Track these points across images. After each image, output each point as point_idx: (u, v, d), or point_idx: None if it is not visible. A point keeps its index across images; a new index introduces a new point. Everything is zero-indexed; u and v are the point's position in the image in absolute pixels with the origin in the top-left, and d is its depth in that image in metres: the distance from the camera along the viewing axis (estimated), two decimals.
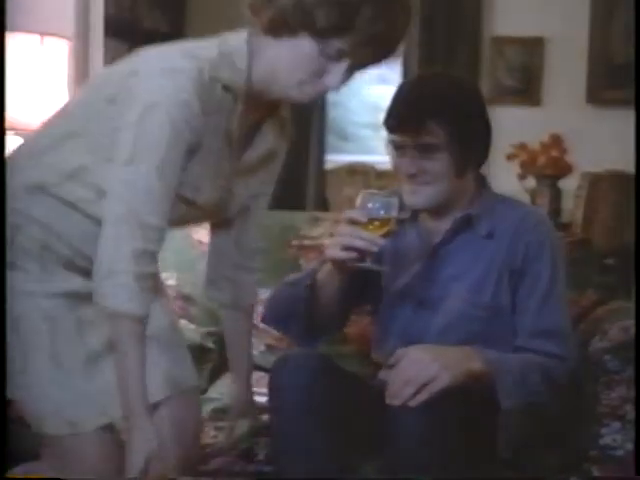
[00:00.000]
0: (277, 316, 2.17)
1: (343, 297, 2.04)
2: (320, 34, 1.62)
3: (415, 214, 2.11)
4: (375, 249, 1.89)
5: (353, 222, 1.91)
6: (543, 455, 2.08)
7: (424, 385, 1.80)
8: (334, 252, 1.93)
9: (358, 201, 1.93)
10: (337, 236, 1.94)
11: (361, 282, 2.08)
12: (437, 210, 2.07)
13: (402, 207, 2.06)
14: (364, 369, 2.45)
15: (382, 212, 1.90)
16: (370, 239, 1.88)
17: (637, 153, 2.36)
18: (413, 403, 1.80)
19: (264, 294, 2.70)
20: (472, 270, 2.04)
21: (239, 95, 1.74)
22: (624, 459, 2.00)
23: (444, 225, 2.07)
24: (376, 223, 1.90)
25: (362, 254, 1.90)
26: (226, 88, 1.72)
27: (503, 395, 1.88)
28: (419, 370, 1.81)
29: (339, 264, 1.96)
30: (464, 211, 2.06)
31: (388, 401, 1.82)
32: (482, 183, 2.11)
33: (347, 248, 1.90)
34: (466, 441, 1.86)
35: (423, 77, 2.07)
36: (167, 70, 1.67)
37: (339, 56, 1.67)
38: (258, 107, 1.81)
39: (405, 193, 2.03)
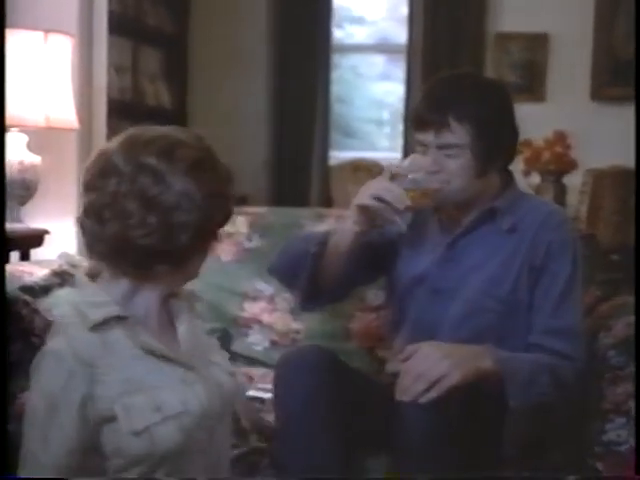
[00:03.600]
0: (283, 267, 2.18)
1: (351, 264, 2.04)
2: None
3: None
4: (401, 207, 1.90)
5: (393, 177, 1.91)
6: (548, 452, 2.08)
7: (434, 382, 1.80)
8: (362, 198, 1.94)
9: (405, 163, 1.93)
10: (370, 186, 1.94)
11: (372, 256, 2.09)
12: (460, 204, 2.07)
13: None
14: (368, 365, 2.45)
15: (422, 183, 1.91)
16: (400, 195, 1.89)
17: (637, 150, 2.35)
18: (423, 400, 1.80)
19: (268, 290, 2.72)
20: (491, 263, 2.04)
21: None
22: (628, 455, 2.00)
23: (467, 217, 2.08)
24: (413, 193, 1.91)
25: (387, 212, 1.89)
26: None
27: (512, 394, 1.89)
28: (430, 367, 1.81)
29: (363, 211, 1.96)
30: (488, 204, 2.06)
31: (398, 397, 1.82)
32: (508, 179, 2.11)
33: (376, 197, 1.91)
34: (472, 438, 1.86)
35: (451, 76, 2.07)
36: None
37: None
38: None
39: None
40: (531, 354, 1.98)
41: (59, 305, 1.75)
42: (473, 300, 2.03)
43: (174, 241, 1.60)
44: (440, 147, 1.99)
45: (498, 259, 2.04)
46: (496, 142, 2.01)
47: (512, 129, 2.06)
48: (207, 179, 1.64)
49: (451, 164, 1.99)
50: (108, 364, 1.59)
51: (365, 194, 1.94)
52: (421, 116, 2.02)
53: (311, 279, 2.07)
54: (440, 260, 2.08)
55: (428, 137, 2.00)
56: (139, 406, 1.58)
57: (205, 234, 1.65)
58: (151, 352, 1.62)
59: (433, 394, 1.80)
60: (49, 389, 1.58)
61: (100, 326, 1.61)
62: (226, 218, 1.68)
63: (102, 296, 1.66)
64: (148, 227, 1.58)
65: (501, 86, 2.14)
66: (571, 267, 2.03)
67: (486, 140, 1.99)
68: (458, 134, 1.97)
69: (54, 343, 1.64)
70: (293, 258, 2.11)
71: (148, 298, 1.68)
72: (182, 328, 1.71)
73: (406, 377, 1.82)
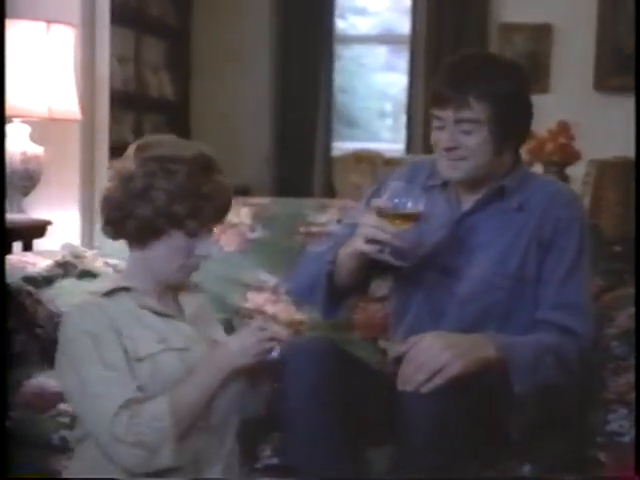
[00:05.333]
0: (301, 288, 2.22)
1: (364, 270, 2.06)
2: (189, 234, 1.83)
3: (446, 182, 2.12)
4: (397, 243, 1.92)
5: (379, 212, 1.92)
6: (550, 442, 2.08)
7: (436, 372, 1.81)
8: (359, 244, 1.97)
9: (387, 192, 1.95)
10: (363, 226, 1.96)
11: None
12: (471, 182, 2.08)
13: (433, 176, 2.12)
14: (371, 356, 2.45)
15: (409, 205, 1.92)
16: (393, 232, 1.91)
17: (637, 142, 2.35)
18: (425, 389, 1.80)
19: (271, 281, 2.72)
20: (499, 240, 2.05)
21: None
22: (631, 445, 2.00)
23: (475, 195, 2.09)
24: (402, 216, 1.92)
25: (384, 245, 1.92)
26: None
27: (516, 380, 1.90)
28: (432, 357, 1.82)
29: (362, 255, 1.99)
30: (498, 183, 2.07)
31: (400, 387, 1.83)
32: (517, 159, 2.12)
33: (370, 241, 1.93)
34: (476, 427, 1.86)
35: (468, 54, 2.09)
36: None
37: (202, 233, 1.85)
38: None
39: (442, 167, 2.06)
40: (534, 335, 1.98)
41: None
42: (481, 278, 2.03)
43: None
44: (458, 123, 1.99)
45: (506, 237, 2.05)
46: (513, 121, 2.02)
47: (528, 110, 2.07)
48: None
49: (468, 140, 2.00)
50: (122, 320, 1.80)
51: (359, 237, 1.96)
52: (440, 93, 2.02)
53: (329, 294, 2.11)
54: (448, 239, 2.08)
55: (447, 113, 2.00)
56: (145, 337, 1.80)
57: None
58: (153, 311, 1.84)
59: (434, 384, 1.80)
60: (86, 328, 1.78)
61: (110, 293, 1.83)
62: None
63: (113, 276, 1.90)
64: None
65: (520, 66, 2.15)
66: (578, 243, 2.03)
67: (503, 118, 1.99)
68: (476, 111, 1.98)
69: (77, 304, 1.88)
70: (309, 279, 2.15)
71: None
72: (186, 300, 1.91)
73: (408, 367, 1.83)
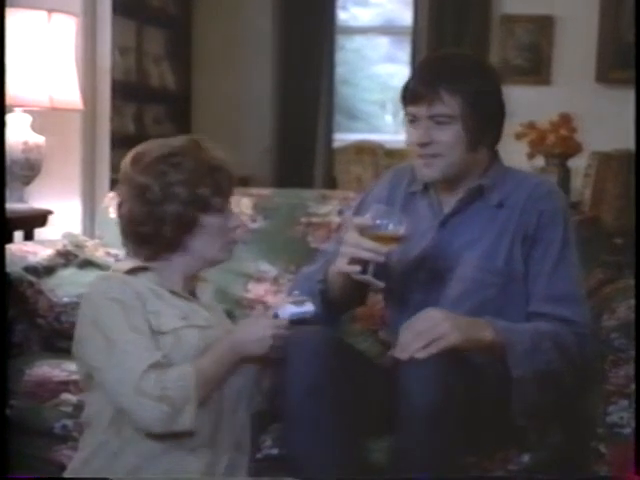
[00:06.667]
0: None
1: (357, 285, 2.06)
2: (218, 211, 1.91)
3: (426, 187, 2.15)
4: (380, 259, 1.93)
5: (360, 230, 1.93)
6: (554, 428, 2.09)
7: (433, 340, 1.83)
8: (342, 265, 1.98)
9: (368, 214, 1.97)
10: (345, 245, 1.97)
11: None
12: (449, 182, 2.09)
13: (414, 182, 2.14)
14: (372, 347, 2.46)
15: (390, 227, 1.93)
16: (375, 250, 1.92)
17: (638, 134, 2.35)
18: (420, 355, 1.82)
19: (272, 271, 2.73)
20: (484, 238, 2.06)
21: None
22: (631, 437, 2.01)
23: (455, 196, 2.10)
24: (384, 237, 1.93)
25: (366, 264, 1.94)
26: None
27: (514, 364, 1.91)
28: (431, 326, 1.85)
29: (346, 275, 2.00)
30: (476, 182, 2.08)
31: (396, 354, 1.85)
32: (494, 157, 2.13)
33: (353, 260, 1.94)
34: (477, 410, 1.87)
35: (441, 53, 2.12)
36: None
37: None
38: None
39: (418, 167, 2.07)
40: (532, 323, 2.00)
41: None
42: (470, 277, 2.05)
43: None
44: (432, 118, 2.01)
45: (490, 234, 2.06)
46: (486, 117, 2.04)
47: (500, 109, 2.09)
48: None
49: (442, 135, 2.02)
50: (145, 295, 1.86)
51: (344, 258, 1.97)
52: (413, 90, 2.05)
53: (326, 310, 2.11)
54: (434, 241, 2.10)
55: (420, 110, 2.02)
56: (168, 313, 1.86)
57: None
58: (173, 292, 1.89)
59: (429, 352, 1.82)
60: (113, 296, 1.83)
61: (132, 272, 1.89)
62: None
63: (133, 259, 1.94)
64: None
65: (491, 66, 2.19)
66: (563, 234, 2.05)
67: (476, 113, 2.02)
68: (449, 106, 2.00)
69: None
70: None
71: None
72: (201, 289, 1.99)
73: (406, 334, 1.85)
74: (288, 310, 1.89)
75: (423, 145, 2.03)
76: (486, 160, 2.10)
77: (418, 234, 2.09)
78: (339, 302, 2.13)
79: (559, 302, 2.01)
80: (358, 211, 2.20)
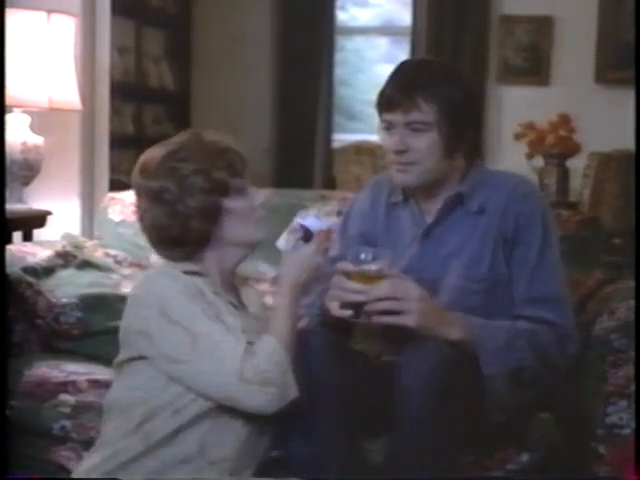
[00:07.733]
0: None
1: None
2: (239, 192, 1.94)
3: (407, 197, 2.15)
4: (370, 299, 1.92)
5: (345, 274, 1.94)
6: (551, 427, 2.09)
7: (394, 312, 1.88)
8: (334, 310, 1.97)
9: (349, 254, 1.96)
10: (334, 289, 1.97)
11: None
12: (428, 190, 2.10)
13: (394, 192, 2.15)
14: (369, 347, 2.46)
15: (374, 265, 1.92)
16: (362, 292, 1.92)
17: (637, 134, 2.35)
18: (377, 319, 1.89)
19: (270, 272, 2.72)
20: (467, 246, 2.07)
21: None
22: (630, 438, 2.01)
23: (436, 205, 2.10)
24: (369, 274, 1.93)
25: (358, 306, 1.93)
26: None
27: (485, 361, 1.93)
28: (402, 299, 1.89)
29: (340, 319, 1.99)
30: (454, 190, 2.08)
31: (364, 298, 1.89)
32: (472, 160, 2.13)
33: (344, 305, 1.94)
34: (462, 409, 1.87)
35: (416, 60, 2.14)
36: None
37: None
38: None
39: (394, 174, 2.07)
40: (509, 321, 2.00)
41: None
42: (456, 285, 2.05)
43: None
44: (408, 126, 2.02)
45: (473, 241, 2.07)
46: (461, 125, 2.04)
47: (475, 117, 2.14)
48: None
49: (418, 142, 2.02)
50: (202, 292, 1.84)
51: (334, 302, 1.96)
52: (389, 97, 2.05)
53: (330, 329, 2.09)
54: (418, 253, 2.10)
55: (396, 117, 2.03)
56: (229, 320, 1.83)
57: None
58: (226, 300, 1.87)
59: (381, 320, 1.89)
60: (179, 289, 1.81)
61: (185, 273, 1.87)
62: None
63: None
64: None
65: (466, 75, 2.22)
66: (542, 236, 2.05)
67: (452, 120, 2.02)
68: (425, 113, 2.01)
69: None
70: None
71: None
72: (248, 297, 2.00)
73: (383, 288, 1.89)
74: (312, 222, 1.95)
75: (399, 152, 2.03)
76: (462, 167, 2.11)
77: (403, 246, 2.10)
78: (340, 324, 2.10)
79: (540, 304, 2.01)
80: (345, 229, 2.21)
